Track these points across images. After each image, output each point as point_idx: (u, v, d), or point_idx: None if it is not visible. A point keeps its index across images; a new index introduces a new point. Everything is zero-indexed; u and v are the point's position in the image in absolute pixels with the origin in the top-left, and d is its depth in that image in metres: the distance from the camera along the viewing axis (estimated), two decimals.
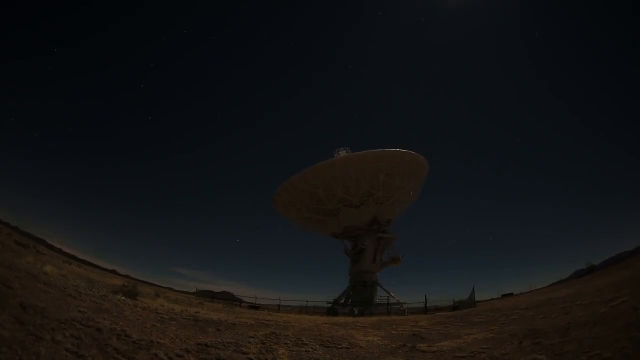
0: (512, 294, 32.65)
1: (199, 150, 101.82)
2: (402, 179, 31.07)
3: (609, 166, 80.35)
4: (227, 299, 35.40)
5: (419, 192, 35.42)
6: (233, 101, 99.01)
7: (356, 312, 26.15)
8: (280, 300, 32.22)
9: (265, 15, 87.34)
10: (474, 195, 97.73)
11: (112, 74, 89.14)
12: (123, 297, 10.94)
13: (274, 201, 35.36)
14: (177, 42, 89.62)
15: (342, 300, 32.06)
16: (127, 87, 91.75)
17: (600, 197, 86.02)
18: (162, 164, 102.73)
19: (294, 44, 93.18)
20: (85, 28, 78.89)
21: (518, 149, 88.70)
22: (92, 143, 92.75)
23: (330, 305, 31.66)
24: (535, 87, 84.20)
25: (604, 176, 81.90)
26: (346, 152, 31.27)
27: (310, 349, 6.98)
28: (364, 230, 32.83)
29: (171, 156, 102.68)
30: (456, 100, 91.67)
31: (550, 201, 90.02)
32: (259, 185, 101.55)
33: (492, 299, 31.25)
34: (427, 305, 26.66)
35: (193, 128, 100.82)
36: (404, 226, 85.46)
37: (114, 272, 47.14)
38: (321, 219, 34.43)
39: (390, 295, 30.97)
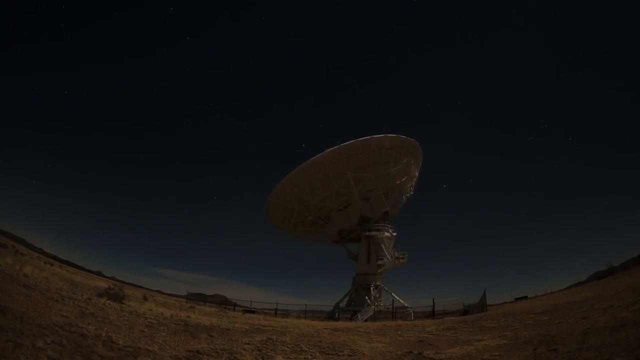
0: (526, 297, 32.91)
1: (198, 148, 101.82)
2: (387, 166, 30.92)
3: (628, 164, 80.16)
4: (220, 302, 35.62)
5: (414, 178, 34.76)
6: (223, 100, 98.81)
7: (359, 318, 26.26)
8: (277, 304, 32.53)
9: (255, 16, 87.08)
10: (486, 193, 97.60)
11: (103, 70, 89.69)
12: (109, 301, 10.99)
13: (266, 211, 35.04)
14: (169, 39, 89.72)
15: (344, 304, 32.22)
16: (119, 84, 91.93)
17: (620, 195, 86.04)
18: (157, 163, 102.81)
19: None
20: (83, 20, 79.14)
21: (534, 145, 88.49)
22: (79, 139, 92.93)
23: (331, 309, 31.89)
24: (555, 81, 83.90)
25: (624, 174, 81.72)
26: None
27: (310, 357, 7.03)
28: (357, 232, 32.93)
29: (168, 154, 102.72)
30: (473, 94, 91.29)
31: (567, 199, 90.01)
32: (255, 184, 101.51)
33: (505, 302, 31.48)
34: (435, 310, 26.85)
35: (185, 127, 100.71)
36: (411, 225, 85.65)
37: (98, 274, 47.62)
38: (316, 229, 34.61)
39: (396, 298, 31.11)
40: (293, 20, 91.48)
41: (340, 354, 7.50)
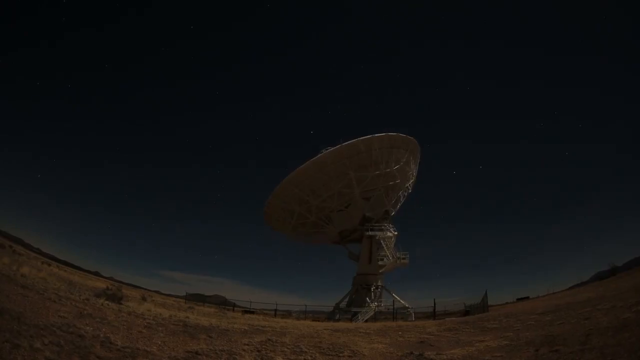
0: (528, 297, 32.92)
1: (198, 147, 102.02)
2: (388, 165, 31.04)
3: (632, 163, 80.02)
4: (220, 303, 35.67)
5: (413, 174, 34.92)
6: (223, 100, 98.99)
7: (360, 319, 26.28)
8: (277, 304, 32.59)
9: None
10: (487, 192, 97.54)
11: (102, 71, 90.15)
12: (107, 301, 11.00)
13: (265, 214, 35.19)
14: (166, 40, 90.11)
15: (344, 305, 32.28)
16: (119, 85, 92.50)
17: (623, 195, 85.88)
18: (156, 163, 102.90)
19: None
20: (84, 21, 79.85)
21: (538, 142, 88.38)
22: (78, 139, 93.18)
23: (331, 310, 31.94)
24: (556, 80, 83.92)
25: (628, 173, 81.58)
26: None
27: (310, 358, 7.03)
28: (358, 232, 32.93)
29: (168, 154, 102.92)
30: (474, 94, 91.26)
31: (569, 198, 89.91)
32: (255, 184, 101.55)
33: (507, 303, 31.50)
34: (436, 310, 26.86)
35: (185, 127, 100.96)
36: (412, 225, 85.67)
37: (96, 274, 47.68)
38: (316, 231, 34.64)
39: (397, 299, 31.13)
40: (293, 21, 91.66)
41: (341, 354, 7.50)
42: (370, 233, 31.61)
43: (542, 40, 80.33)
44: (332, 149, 29.52)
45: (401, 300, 31.14)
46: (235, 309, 31.14)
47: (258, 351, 7.19)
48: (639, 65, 71.89)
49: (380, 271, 31.75)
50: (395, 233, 32.61)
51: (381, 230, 31.73)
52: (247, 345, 7.77)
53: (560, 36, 77.55)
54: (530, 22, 79.11)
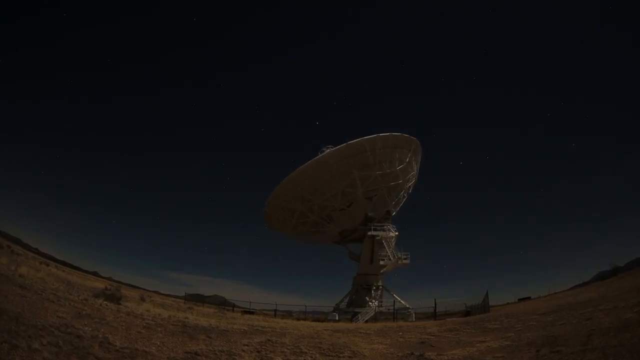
0: (529, 298, 32.95)
1: (197, 147, 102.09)
2: (392, 165, 31.25)
3: (633, 163, 79.94)
4: (219, 303, 35.68)
5: (415, 174, 35.03)
6: (223, 100, 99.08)
7: (360, 319, 26.29)
8: (276, 304, 32.57)
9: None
10: (488, 192, 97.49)
11: (102, 71, 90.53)
12: (105, 302, 11.01)
13: (265, 214, 35.29)
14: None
15: (344, 305, 32.30)
16: (118, 85, 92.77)
17: (625, 194, 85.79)
18: (156, 163, 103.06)
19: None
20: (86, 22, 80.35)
21: (539, 142, 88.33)
22: (77, 139, 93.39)
23: (331, 310, 31.95)
24: (557, 80, 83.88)
25: (630, 173, 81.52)
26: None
27: (310, 358, 7.03)
28: (359, 232, 32.93)
29: (167, 154, 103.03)
30: (476, 94, 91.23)
31: (570, 198, 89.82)
32: (255, 184, 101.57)
33: (508, 303, 31.52)
34: (437, 311, 26.86)
35: (185, 127, 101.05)
36: (412, 225, 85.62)
37: (95, 274, 47.70)
38: (317, 230, 34.65)
39: (397, 299, 31.13)
40: (293, 21, 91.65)
41: (341, 355, 7.50)
42: (372, 233, 31.61)
43: (543, 39, 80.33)
44: (336, 148, 29.59)
45: (402, 301, 31.13)
46: (235, 309, 31.16)
47: (258, 352, 7.19)
48: (639, 65, 71.95)
49: (381, 271, 31.76)
50: (396, 233, 32.64)
51: (383, 230, 31.73)
52: (247, 345, 7.77)
53: (560, 36, 77.53)
54: (530, 22, 79.18)
